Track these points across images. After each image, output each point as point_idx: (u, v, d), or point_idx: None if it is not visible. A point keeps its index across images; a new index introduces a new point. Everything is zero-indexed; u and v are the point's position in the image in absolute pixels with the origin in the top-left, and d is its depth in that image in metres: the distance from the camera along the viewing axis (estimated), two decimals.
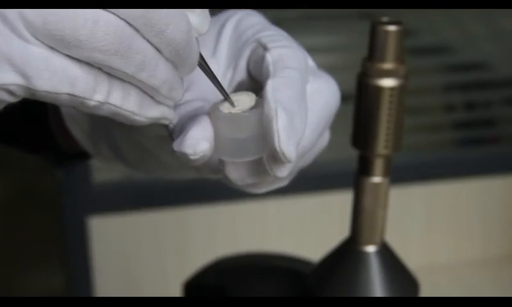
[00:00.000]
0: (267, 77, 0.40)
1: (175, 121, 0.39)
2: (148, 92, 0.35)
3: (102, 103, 0.34)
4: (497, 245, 1.46)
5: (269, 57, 0.40)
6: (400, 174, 1.33)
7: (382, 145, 0.48)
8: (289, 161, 0.37)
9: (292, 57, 0.40)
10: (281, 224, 1.37)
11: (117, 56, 0.33)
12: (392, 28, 0.45)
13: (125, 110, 0.35)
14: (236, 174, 0.40)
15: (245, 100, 0.38)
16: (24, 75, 0.32)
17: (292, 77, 0.39)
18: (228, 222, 1.34)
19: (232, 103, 0.38)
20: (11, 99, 0.33)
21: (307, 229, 1.38)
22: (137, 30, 0.33)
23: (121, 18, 0.32)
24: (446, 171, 1.41)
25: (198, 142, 0.36)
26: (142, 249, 1.31)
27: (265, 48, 0.41)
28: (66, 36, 0.32)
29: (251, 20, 0.44)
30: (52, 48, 0.32)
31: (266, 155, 0.38)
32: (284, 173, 0.39)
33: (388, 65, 0.45)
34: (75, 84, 0.33)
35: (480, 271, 1.42)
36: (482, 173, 1.42)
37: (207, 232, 1.34)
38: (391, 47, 0.45)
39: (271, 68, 0.40)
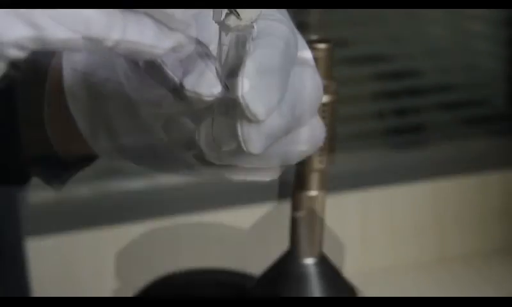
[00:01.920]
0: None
1: (187, 50, 0.36)
2: (162, 19, 0.33)
3: (119, 41, 0.32)
4: (432, 248, 1.50)
5: (255, 27, 0.37)
6: (334, 182, 1.35)
7: (316, 160, 0.49)
8: (256, 117, 0.35)
9: (280, 28, 0.38)
10: (221, 239, 1.38)
11: None
12: (321, 46, 0.46)
13: (143, 44, 0.33)
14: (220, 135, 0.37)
15: (249, 12, 0.36)
16: (35, 26, 0.31)
17: (274, 42, 0.37)
18: (169, 239, 1.34)
19: (238, 15, 0.35)
20: (21, 54, 0.32)
21: (248, 242, 1.39)
22: None
23: None
24: (379, 177, 1.44)
25: (215, 83, 0.35)
26: (81, 269, 1.30)
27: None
28: None
29: None
30: None
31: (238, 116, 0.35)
32: (255, 141, 0.36)
33: None
34: (89, 26, 0.31)
35: (416, 274, 1.45)
36: (414, 178, 1.45)
37: (147, 250, 1.33)
38: (321, 65, 0.46)
39: (254, 35, 0.37)
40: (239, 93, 0.34)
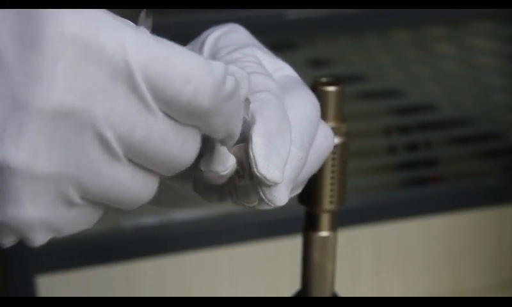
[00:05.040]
0: None
1: None
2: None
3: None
4: (445, 282, 1.49)
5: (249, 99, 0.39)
6: (346, 218, 1.35)
7: (327, 201, 0.49)
8: (274, 182, 0.37)
9: (263, 81, 0.40)
10: (232, 273, 1.37)
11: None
12: (331, 89, 0.46)
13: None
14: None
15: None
16: None
17: (266, 99, 0.38)
18: (178, 273, 1.34)
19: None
20: None
21: (259, 277, 1.38)
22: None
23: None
24: (392, 212, 1.43)
25: (227, 157, 0.36)
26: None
27: None
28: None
29: (227, 39, 0.43)
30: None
31: (257, 184, 0.38)
32: (280, 197, 0.38)
33: (329, 124, 0.47)
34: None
35: None
36: (427, 212, 1.44)
37: (157, 284, 1.33)
38: (331, 107, 0.46)
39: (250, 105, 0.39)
40: (253, 169, 0.36)
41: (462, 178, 1.52)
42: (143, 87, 0.31)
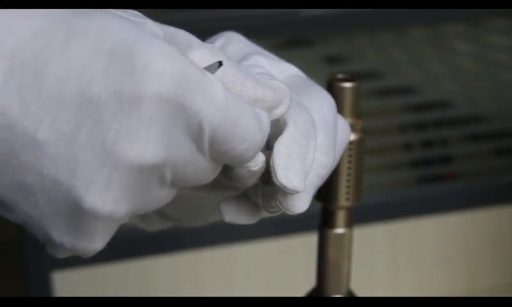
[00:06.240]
0: None
1: None
2: None
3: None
4: (461, 281, 1.48)
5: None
6: (362, 215, 1.34)
7: (343, 198, 0.48)
8: (295, 191, 0.37)
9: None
10: (247, 270, 1.37)
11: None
12: (347, 85, 0.46)
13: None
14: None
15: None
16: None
17: (292, 105, 0.39)
18: (193, 270, 1.34)
19: None
20: None
21: (274, 274, 1.38)
22: None
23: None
24: (407, 209, 1.43)
25: (258, 154, 0.37)
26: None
27: None
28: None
29: (229, 49, 0.44)
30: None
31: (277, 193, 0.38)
32: (298, 206, 0.39)
33: None
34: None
35: None
36: (442, 210, 1.44)
37: (172, 281, 1.33)
38: (347, 103, 0.46)
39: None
40: (273, 179, 0.37)
41: (478, 176, 1.51)
42: (206, 144, 0.34)
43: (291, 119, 0.38)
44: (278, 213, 0.41)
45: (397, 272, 1.44)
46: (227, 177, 0.38)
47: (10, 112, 0.30)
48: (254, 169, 0.37)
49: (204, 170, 0.35)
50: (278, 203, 0.38)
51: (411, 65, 1.46)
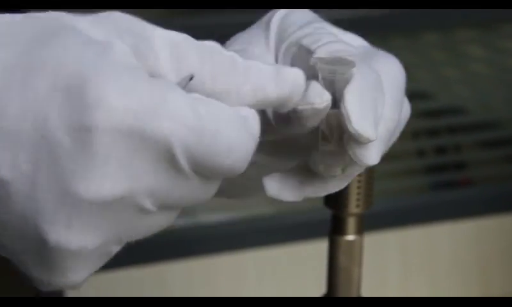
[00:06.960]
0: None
1: None
2: None
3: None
4: (474, 288, 1.47)
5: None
6: (373, 221, 1.34)
7: (353, 204, 0.48)
8: (368, 139, 0.36)
9: (345, 48, 0.39)
10: (258, 276, 1.37)
11: None
12: None
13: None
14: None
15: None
16: None
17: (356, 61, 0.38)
18: (205, 276, 1.34)
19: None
20: None
21: (285, 281, 1.38)
22: None
23: None
24: (420, 215, 1.42)
25: (322, 91, 0.36)
26: None
27: (308, 52, 0.39)
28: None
29: (293, 17, 0.43)
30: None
31: (349, 143, 0.37)
32: (371, 156, 0.37)
33: None
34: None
35: None
36: (456, 216, 1.43)
37: (185, 287, 1.33)
38: None
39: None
40: (347, 126, 0.35)
41: (492, 182, 1.50)
42: (186, 166, 0.32)
43: (358, 74, 0.37)
44: (322, 195, 0.40)
45: (409, 280, 1.44)
46: (286, 121, 0.37)
47: None
48: (320, 106, 0.36)
49: (194, 190, 0.34)
50: (352, 152, 0.37)
51: (424, 71, 1.45)
